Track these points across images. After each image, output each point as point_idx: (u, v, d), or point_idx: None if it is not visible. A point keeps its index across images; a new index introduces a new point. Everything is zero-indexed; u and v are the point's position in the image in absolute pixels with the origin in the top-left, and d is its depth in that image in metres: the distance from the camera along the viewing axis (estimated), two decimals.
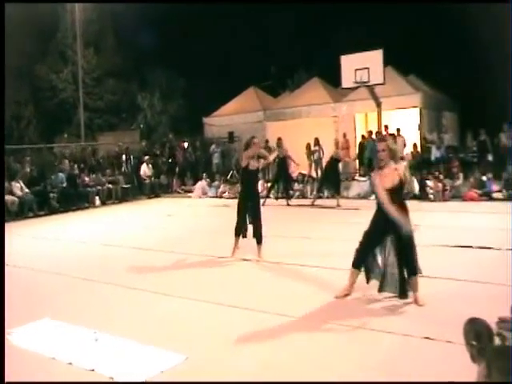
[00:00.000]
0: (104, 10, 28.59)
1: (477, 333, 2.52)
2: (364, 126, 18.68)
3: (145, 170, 17.54)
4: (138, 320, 4.91)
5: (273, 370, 3.71)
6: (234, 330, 4.53)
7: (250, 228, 7.30)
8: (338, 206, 12.49)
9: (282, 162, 14.05)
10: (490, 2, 17.41)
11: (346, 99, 18.39)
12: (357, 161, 17.22)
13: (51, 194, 14.30)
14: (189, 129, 24.41)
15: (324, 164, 14.85)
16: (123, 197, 16.56)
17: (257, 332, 4.49)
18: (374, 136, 16.37)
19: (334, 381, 3.50)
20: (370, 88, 15.39)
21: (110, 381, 3.67)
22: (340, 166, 13.81)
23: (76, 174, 15.54)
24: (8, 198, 12.80)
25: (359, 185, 14.98)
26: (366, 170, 15.43)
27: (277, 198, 14.38)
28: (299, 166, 15.74)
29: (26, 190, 13.50)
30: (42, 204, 13.97)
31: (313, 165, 17.03)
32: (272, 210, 12.00)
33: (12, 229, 10.90)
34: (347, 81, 15.54)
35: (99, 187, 15.82)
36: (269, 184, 15.17)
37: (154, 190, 17.65)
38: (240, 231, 7.28)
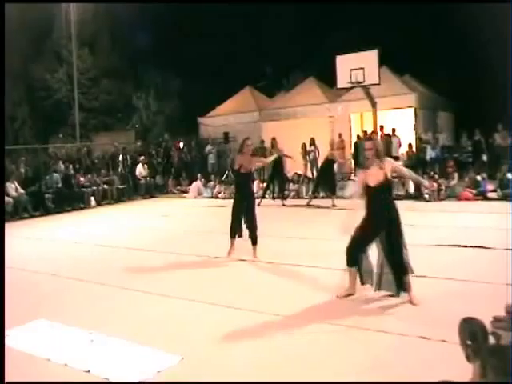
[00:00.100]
0: (100, 10, 28.53)
1: (472, 332, 2.53)
2: (359, 126, 18.71)
3: (140, 170, 17.51)
4: (134, 321, 4.90)
5: (268, 370, 3.71)
6: (229, 330, 4.53)
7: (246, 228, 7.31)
8: (334, 206, 12.51)
9: (277, 162, 14.04)
10: (489, 2, 17.41)
11: (341, 99, 18.41)
12: (352, 161, 17.26)
13: (46, 195, 14.26)
14: (184, 129, 24.38)
15: (319, 164, 14.87)
16: (118, 197, 16.53)
17: (252, 332, 4.49)
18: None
19: (330, 381, 3.50)
20: (366, 88, 15.40)
21: (106, 381, 3.66)
22: (335, 166, 13.84)
23: (71, 175, 15.50)
24: None
25: (355, 185, 14.97)
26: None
27: (273, 198, 14.40)
28: (294, 159, 15.68)
29: (21, 191, 13.46)
30: (37, 205, 13.92)
31: (308, 165, 17.05)
32: (268, 210, 11.99)
33: (6, 230, 10.85)
34: (342, 81, 15.54)
35: (94, 188, 15.78)
36: (264, 184, 15.18)
37: (150, 191, 17.62)
38: (235, 233, 7.30)
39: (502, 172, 13.07)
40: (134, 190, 17.36)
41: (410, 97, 17.38)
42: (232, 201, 7.52)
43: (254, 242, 7.21)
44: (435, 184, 13.21)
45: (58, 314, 5.13)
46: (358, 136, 17.66)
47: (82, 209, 14.90)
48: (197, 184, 17.26)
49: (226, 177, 17.79)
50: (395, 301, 5.03)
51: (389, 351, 3.96)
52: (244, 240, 7.31)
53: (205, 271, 6.78)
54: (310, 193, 14.32)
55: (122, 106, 31.17)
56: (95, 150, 20.80)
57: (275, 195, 14.58)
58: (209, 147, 20.00)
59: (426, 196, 13.16)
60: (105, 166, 17.58)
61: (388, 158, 5.36)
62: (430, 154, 15.63)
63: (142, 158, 18.04)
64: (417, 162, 15.01)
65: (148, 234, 10.08)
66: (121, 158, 17.93)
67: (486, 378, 2.18)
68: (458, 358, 2.63)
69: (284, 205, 13.67)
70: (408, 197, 13.53)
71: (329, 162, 13.08)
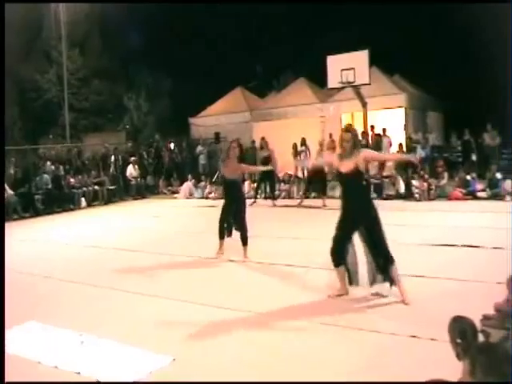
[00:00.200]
0: (90, 11, 28.37)
1: (461, 330, 2.55)
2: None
3: (131, 170, 17.45)
4: (125, 322, 4.89)
5: (260, 370, 3.71)
6: (220, 330, 4.52)
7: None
8: (325, 206, 12.54)
9: (267, 162, 14.07)
10: (488, 2, 17.47)
11: (332, 99, 18.45)
12: None
13: (36, 196, 14.17)
14: (175, 129, 24.32)
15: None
16: (109, 198, 16.46)
17: (243, 332, 4.49)
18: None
19: (323, 381, 3.51)
20: (356, 88, 15.45)
21: (97, 382, 3.65)
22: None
23: (61, 176, 15.40)
24: None
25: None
26: None
27: (265, 198, 14.41)
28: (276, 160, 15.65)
29: (11, 192, 13.36)
30: (27, 206, 13.83)
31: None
32: (259, 211, 12.01)
33: None
34: (333, 81, 15.58)
35: (85, 189, 15.70)
36: (255, 184, 15.19)
37: (140, 191, 17.56)
38: (223, 235, 7.32)
39: (492, 172, 13.17)
40: (124, 191, 17.29)
41: (400, 97, 17.46)
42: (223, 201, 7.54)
43: (245, 243, 7.22)
44: (425, 184, 13.29)
45: (49, 316, 5.11)
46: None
47: (72, 210, 14.82)
48: (188, 184, 17.23)
49: (217, 177, 17.77)
50: (386, 300, 5.06)
51: (381, 351, 3.97)
52: (235, 241, 7.31)
53: (196, 272, 6.78)
54: (301, 193, 14.35)
55: (113, 106, 31.00)
56: (85, 151, 20.68)
57: (266, 195, 14.59)
58: (200, 148, 19.96)
59: (417, 196, 13.23)
60: (95, 167, 17.49)
61: (365, 149, 5.44)
62: (420, 153, 15.68)
63: (133, 158, 17.97)
64: (407, 161, 15.05)
65: (139, 235, 10.05)
66: (113, 158, 17.84)
67: (474, 375, 2.19)
68: (449, 357, 2.65)
69: (275, 205, 13.69)
70: (398, 197, 13.60)
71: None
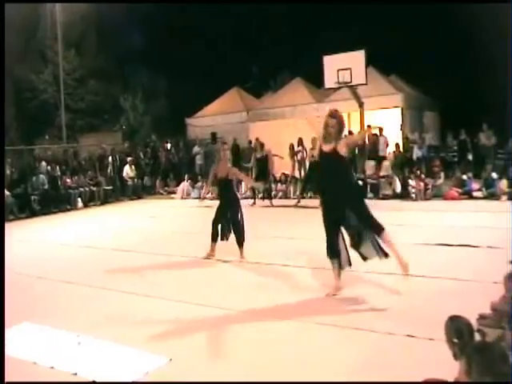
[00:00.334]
0: (86, 11, 28.31)
1: (458, 330, 2.55)
2: (347, 126, 18.75)
3: (127, 171, 17.42)
4: (121, 322, 4.87)
5: (257, 370, 3.71)
6: (217, 331, 4.52)
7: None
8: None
9: (262, 164, 14.07)
10: (488, 2, 17.48)
11: (328, 99, 18.45)
12: None
13: (32, 197, 14.13)
14: (172, 130, 24.27)
15: (307, 164, 14.90)
16: (105, 199, 16.43)
17: (239, 332, 4.48)
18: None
19: (322, 381, 3.51)
20: (352, 88, 15.44)
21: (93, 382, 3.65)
22: None
23: (57, 176, 15.37)
24: None
25: None
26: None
27: (263, 199, 14.40)
28: (283, 158, 15.75)
29: (7, 193, 13.32)
30: (23, 206, 13.79)
31: (296, 165, 17.06)
32: (256, 211, 12.01)
33: None
34: (330, 81, 15.57)
35: (81, 189, 15.67)
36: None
37: (137, 192, 17.53)
38: (216, 237, 7.32)
39: (487, 171, 13.21)
40: (121, 192, 17.27)
41: (396, 97, 17.48)
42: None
43: (240, 245, 7.22)
44: (422, 183, 13.32)
45: (46, 317, 5.10)
46: (345, 135, 17.68)
47: (68, 210, 14.79)
48: (184, 185, 17.21)
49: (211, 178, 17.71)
50: (384, 299, 5.07)
51: (378, 350, 3.97)
52: (231, 241, 7.31)
53: (192, 272, 6.77)
54: (298, 193, 14.36)
55: (109, 106, 30.92)
56: (82, 152, 20.63)
57: (264, 196, 14.59)
58: (196, 148, 19.94)
59: (413, 195, 13.26)
60: (92, 168, 17.45)
61: (347, 136, 5.55)
62: (416, 153, 15.73)
63: (130, 159, 17.94)
64: (404, 161, 15.10)
65: (135, 235, 10.03)
66: (110, 159, 17.79)
67: (471, 375, 2.20)
68: (446, 356, 2.65)
69: (272, 205, 13.69)
70: (395, 196, 13.63)
71: (317, 163, 13.10)
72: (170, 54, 27.61)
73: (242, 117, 20.57)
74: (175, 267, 7.06)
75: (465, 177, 13.29)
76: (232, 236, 7.33)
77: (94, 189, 16.16)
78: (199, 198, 15.26)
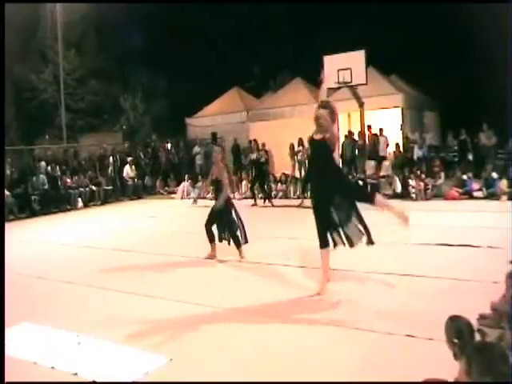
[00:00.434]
0: (86, 11, 28.31)
1: (458, 330, 2.55)
2: (347, 126, 18.76)
3: (127, 171, 17.42)
4: (121, 322, 4.87)
5: (256, 370, 3.70)
6: (217, 330, 4.52)
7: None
8: None
9: (260, 165, 14.07)
10: (488, 2, 17.47)
11: (328, 99, 18.44)
12: (340, 160, 17.29)
13: (32, 197, 14.13)
14: (172, 130, 24.27)
15: (307, 164, 14.89)
16: (105, 199, 16.43)
17: (240, 332, 4.48)
18: (355, 137, 16.57)
19: (322, 381, 3.50)
20: (353, 88, 15.46)
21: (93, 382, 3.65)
22: None
23: (57, 176, 15.36)
24: None
25: None
26: (347, 169, 15.52)
27: (264, 200, 14.37)
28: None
29: (7, 193, 13.32)
30: (23, 206, 13.79)
31: (296, 165, 17.07)
32: (256, 211, 12.01)
33: None
34: (330, 81, 15.57)
35: (81, 189, 15.67)
36: (250, 184, 15.20)
37: (137, 192, 17.53)
38: (212, 238, 7.32)
39: (487, 171, 13.20)
40: (121, 192, 17.27)
41: (396, 97, 17.47)
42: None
43: (238, 246, 7.22)
44: (422, 183, 13.31)
45: (45, 317, 5.10)
46: (345, 136, 17.71)
47: (68, 210, 14.78)
48: (185, 185, 17.21)
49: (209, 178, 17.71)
50: (384, 299, 5.06)
51: (378, 350, 3.97)
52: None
53: (192, 272, 6.77)
54: (299, 193, 14.36)
55: (109, 106, 30.92)
56: (82, 152, 20.63)
57: (264, 196, 14.59)
58: (196, 148, 19.93)
59: (413, 195, 13.26)
60: (92, 168, 17.45)
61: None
62: (417, 153, 15.73)
63: (130, 159, 17.94)
64: (404, 161, 15.10)
65: (135, 235, 10.03)
66: (111, 159, 17.79)
67: (471, 375, 2.19)
68: (446, 356, 2.65)
69: (272, 205, 13.69)
70: (395, 196, 13.61)
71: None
72: (170, 53, 27.59)
73: (242, 117, 20.57)
74: (175, 267, 7.05)
75: (465, 177, 13.28)
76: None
77: (94, 189, 16.15)
78: (194, 199, 15.30)
